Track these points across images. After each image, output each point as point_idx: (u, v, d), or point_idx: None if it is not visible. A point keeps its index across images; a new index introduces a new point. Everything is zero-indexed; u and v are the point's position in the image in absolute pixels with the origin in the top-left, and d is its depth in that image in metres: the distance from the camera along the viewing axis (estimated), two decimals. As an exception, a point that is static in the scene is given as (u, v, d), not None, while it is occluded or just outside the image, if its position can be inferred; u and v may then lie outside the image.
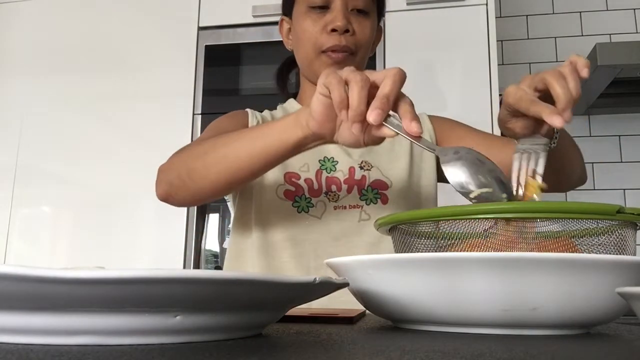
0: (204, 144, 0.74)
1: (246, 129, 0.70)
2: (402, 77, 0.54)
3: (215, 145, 0.71)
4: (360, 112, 0.53)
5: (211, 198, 0.76)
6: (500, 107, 0.63)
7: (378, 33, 0.94)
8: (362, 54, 0.89)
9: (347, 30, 0.85)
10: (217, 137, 0.73)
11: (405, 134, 0.53)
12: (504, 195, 0.51)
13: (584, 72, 0.55)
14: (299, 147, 0.64)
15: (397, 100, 0.54)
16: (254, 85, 1.84)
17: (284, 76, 1.04)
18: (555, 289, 0.38)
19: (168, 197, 0.77)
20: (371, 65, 1.49)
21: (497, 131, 1.62)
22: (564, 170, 0.75)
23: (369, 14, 0.88)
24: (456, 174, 0.52)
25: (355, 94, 0.53)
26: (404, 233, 0.52)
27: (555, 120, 0.51)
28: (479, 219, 0.46)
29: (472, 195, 0.51)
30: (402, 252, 0.52)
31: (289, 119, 0.64)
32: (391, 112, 0.55)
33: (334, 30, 0.84)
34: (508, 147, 0.70)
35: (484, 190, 0.51)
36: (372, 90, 0.54)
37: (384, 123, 0.54)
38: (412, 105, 0.55)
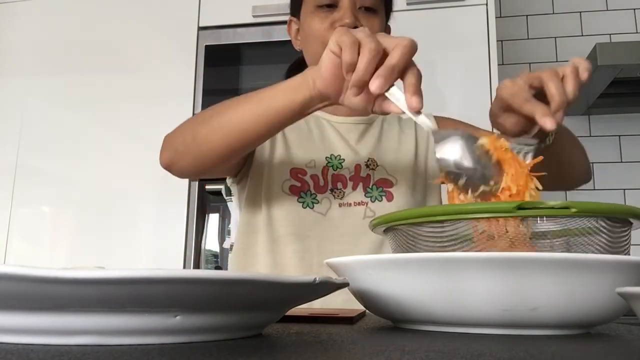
0: (209, 110, 0.73)
1: (252, 92, 0.69)
2: (412, 48, 0.53)
3: (220, 110, 0.70)
4: (364, 80, 0.53)
5: (215, 165, 0.74)
6: (493, 100, 0.62)
7: (386, 31, 0.94)
8: None
9: (355, 28, 0.85)
10: (223, 102, 0.72)
11: (405, 108, 0.53)
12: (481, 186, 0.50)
13: (584, 75, 0.55)
14: (305, 108, 0.63)
15: (405, 69, 0.54)
16: (254, 85, 1.83)
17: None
18: (555, 289, 0.37)
19: (171, 164, 0.76)
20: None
21: (497, 130, 1.62)
22: (563, 167, 0.75)
23: (377, 12, 0.88)
24: (445, 152, 0.52)
25: (364, 61, 0.52)
26: (400, 233, 0.52)
27: (546, 122, 0.51)
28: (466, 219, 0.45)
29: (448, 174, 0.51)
30: (399, 252, 0.52)
31: (296, 79, 0.63)
32: (396, 83, 0.54)
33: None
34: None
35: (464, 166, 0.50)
36: (382, 57, 0.53)
37: (386, 93, 0.54)
38: (418, 77, 0.54)
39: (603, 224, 0.45)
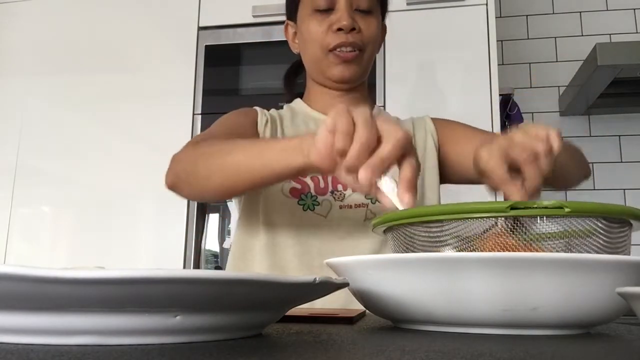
0: (211, 147, 0.73)
1: (254, 140, 0.70)
2: (405, 142, 0.52)
3: (222, 151, 0.71)
4: (354, 168, 0.52)
5: (214, 199, 0.78)
6: (474, 160, 0.61)
7: (382, 31, 0.95)
8: (369, 50, 0.89)
9: (353, 29, 0.85)
10: (224, 142, 0.73)
11: (396, 203, 0.52)
12: None
13: (556, 147, 0.55)
14: (298, 173, 0.64)
15: (403, 157, 0.53)
16: (253, 85, 1.84)
17: (292, 79, 1.05)
18: (555, 289, 0.37)
19: (175, 187, 0.79)
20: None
21: (497, 130, 1.62)
22: (557, 179, 0.75)
23: (372, 13, 0.89)
24: None
25: (354, 150, 0.51)
26: (400, 233, 0.52)
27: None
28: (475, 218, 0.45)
29: None
30: (399, 252, 0.52)
31: (293, 143, 0.63)
32: (391, 175, 0.53)
33: (340, 29, 0.84)
34: None
35: None
36: (378, 143, 0.52)
37: (377, 182, 0.53)
38: (414, 170, 0.53)
39: (599, 224, 0.44)
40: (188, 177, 0.74)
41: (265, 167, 0.65)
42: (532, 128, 0.58)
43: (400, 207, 0.52)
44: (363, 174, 0.52)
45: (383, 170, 0.53)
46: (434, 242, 0.47)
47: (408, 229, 0.50)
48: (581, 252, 0.44)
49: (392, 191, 0.53)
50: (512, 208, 0.43)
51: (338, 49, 0.86)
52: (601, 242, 0.44)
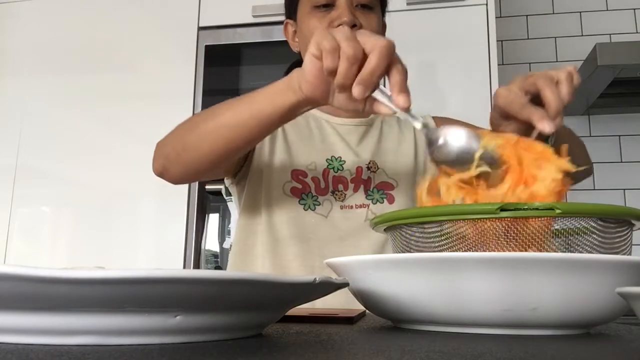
0: (197, 116, 0.73)
1: (239, 97, 0.69)
2: (389, 49, 0.53)
3: (208, 116, 0.70)
4: (346, 86, 0.53)
5: (205, 172, 0.75)
6: (492, 109, 0.63)
7: (382, 28, 0.95)
8: None
9: (354, 25, 0.85)
10: (211, 107, 0.72)
11: (394, 106, 0.53)
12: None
13: (577, 81, 0.56)
14: (292, 111, 0.63)
15: (390, 66, 0.54)
16: (253, 85, 1.83)
17: None
18: (555, 289, 0.37)
19: (163, 171, 0.77)
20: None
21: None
22: None
23: (373, 9, 0.88)
24: (442, 153, 0.52)
25: (342, 68, 0.52)
26: (401, 232, 0.52)
27: (545, 126, 0.52)
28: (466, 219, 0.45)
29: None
30: (400, 251, 0.52)
31: (281, 83, 0.63)
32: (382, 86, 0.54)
33: (340, 26, 0.84)
34: None
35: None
36: (363, 58, 0.53)
37: (373, 96, 0.54)
38: (403, 73, 0.54)
39: (594, 225, 0.44)
40: (177, 155, 0.73)
41: (257, 114, 0.65)
42: (550, 70, 0.58)
43: (398, 111, 0.53)
44: (356, 90, 0.52)
45: (374, 82, 0.53)
46: (427, 242, 0.47)
47: (405, 229, 0.50)
48: (579, 251, 0.44)
49: (387, 99, 0.54)
50: (502, 210, 0.43)
51: None
52: (597, 242, 0.44)
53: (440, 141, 0.52)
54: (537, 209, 0.43)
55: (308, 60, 0.57)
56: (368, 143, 0.93)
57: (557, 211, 0.42)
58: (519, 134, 0.59)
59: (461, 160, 0.51)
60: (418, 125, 0.54)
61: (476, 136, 0.51)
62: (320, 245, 0.85)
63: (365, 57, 0.53)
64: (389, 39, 0.54)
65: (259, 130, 0.66)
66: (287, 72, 1.04)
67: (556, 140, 0.62)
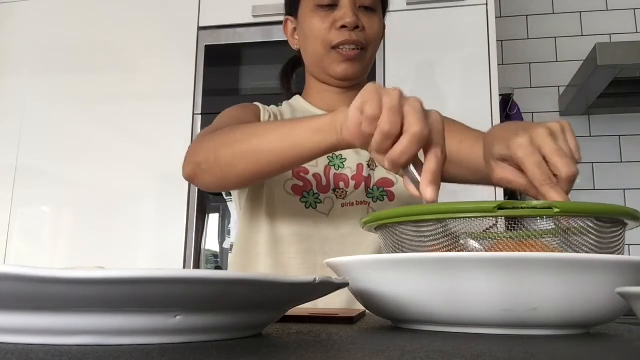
0: (234, 132, 0.72)
1: (278, 122, 0.69)
2: (421, 138, 0.51)
3: (245, 136, 0.70)
4: (380, 153, 0.52)
5: (236, 187, 0.79)
6: (495, 139, 0.59)
7: (383, 30, 0.95)
8: (372, 49, 0.89)
9: (357, 27, 0.85)
10: (247, 126, 0.72)
11: (418, 194, 0.52)
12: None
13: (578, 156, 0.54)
14: (330, 151, 0.63)
15: (428, 147, 0.52)
16: (253, 85, 1.84)
17: (289, 76, 1.04)
18: (555, 289, 0.37)
19: (194, 177, 0.76)
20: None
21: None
22: None
23: (375, 11, 0.89)
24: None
25: (376, 141, 0.52)
26: (391, 232, 0.51)
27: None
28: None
29: None
30: (388, 251, 0.52)
31: (325, 121, 0.62)
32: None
33: (343, 26, 0.84)
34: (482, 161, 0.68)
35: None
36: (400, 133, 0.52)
37: (402, 170, 0.53)
38: (440, 162, 0.52)
39: (590, 224, 0.44)
40: (210, 166, 0.72)
41: (295, 147, 0.64)
42: (568, 135, 0.55)
43: (424, 201, 0.51)
44: (386, 164, 0.52)
45: (404, 163, 0.52)
46: (422, 242, 0.47)
47: (397, 228, 0.49)
48: (575, 251, 0.44)
49: (415, 183, 0.52)
50: (500, 208, 0.42)
51: (341, 47, 0.85)
52: (592, 241, 0.44)
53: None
54: (534, 207, 0.42)
55: (352, 111, 0.55)
56: None
57: (556, 210, 0.42)
58: (506, 183, 0.58)
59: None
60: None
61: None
62: (321, 243, 0.85)
63: (402, 132, 0.52)
64: (434, 121, 0.53)
65: (297, 161, 0.66)
66: (284, 69, 1.04)
67: None
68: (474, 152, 0.78)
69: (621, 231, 0.47)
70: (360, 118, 0.54)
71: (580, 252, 0.44)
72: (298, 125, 0.65)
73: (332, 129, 0.60)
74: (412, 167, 0.53)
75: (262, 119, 0.90)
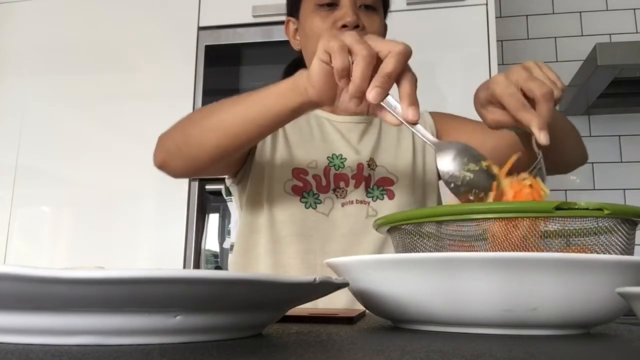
0: (201, 110, 0.74)
1: (243, 94, 0.70)
2: (407, 55, 0.52)
3: (212, 111, 0.71)
4: (362, 89, 0.52)
5: (206, 167, 0.75)
6: (480, 88, 0.62)
7: (384, 30, 0.95)
8: None
9: (357, 26, 0.85)
10: (214, 103, 0.73)
11: (401, 119, 0.53)
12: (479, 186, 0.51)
13: (558, 93, 0.56)
14: (297, 113, 0.64)
15: (400, 74, 0.53)
16: (253, 85, 1.83)
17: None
18: (555, 289, 0.37)
19: (164, 164, 0.77)
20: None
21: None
22: (558, 154, 0.75)
23: (376, 10, 0.89)
24: (446, 163, 0.52)
25: (359, 69, 0.51)
26: (404, 233, 0.52)
27: (541, 137, 0.52)
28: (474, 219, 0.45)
29: (456, 182, 0.51)
30: (402, 252, 0.52)
31: (287, 84, 0.63)
32: (390, 93, 0.53)
33: (344, 26, 0.84)
34: (502, 132, 0.69)
35: (467, 174, 0.51)
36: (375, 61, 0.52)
37: (382, 103, 0.53)
38: (414, 84, 0.53)
39: (619, 226, 0.45)
40: (179, 149, 0.73)
41: (261, 113, 0.65)
42: (544, 68, 0.58)
43: (406, 124, 0.52)
44: (372, 94, 0.51)
45: (390, 86, 0.52)
46: (454, 242, 0.47)
47: (416, 229, 0.49)
48: (609, 252, 0.45)
49: (397, 108, 0.53)
50: (558, 209, 0.43)
51: None
52: (622, 243, 0.45)
53: (451, 157, 0.52)
54: (587, 209, 0.43)
55: (315, 65, 0.56)
56: (368, 140, 0.93)
57: (606, 212, 0.43)
58: (500, 125, 0.59)
59: (465, 181, 0.51)
60: (427, 140, 0.53)
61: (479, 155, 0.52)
62: (321, 243, 0.85)
63: (378, 60, 0.52)
64: (406, 44, 0.53)
65: (264, 128, 0.67)
66: (285, 71, 1.04)
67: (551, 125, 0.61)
68: (498, 135, 0.79)
69: (634, 232, 0.48)
70: (325, 68, 0.55)
71: (611, 253, 0.45)
72: (261, 92, 0.67)
73: (296, 90, 0.61)
74: (390, 97, 0.53)
75: None
